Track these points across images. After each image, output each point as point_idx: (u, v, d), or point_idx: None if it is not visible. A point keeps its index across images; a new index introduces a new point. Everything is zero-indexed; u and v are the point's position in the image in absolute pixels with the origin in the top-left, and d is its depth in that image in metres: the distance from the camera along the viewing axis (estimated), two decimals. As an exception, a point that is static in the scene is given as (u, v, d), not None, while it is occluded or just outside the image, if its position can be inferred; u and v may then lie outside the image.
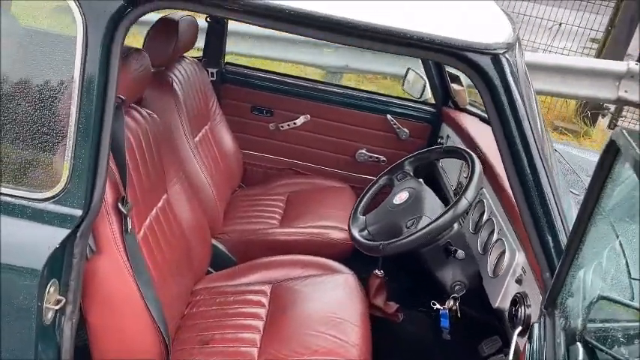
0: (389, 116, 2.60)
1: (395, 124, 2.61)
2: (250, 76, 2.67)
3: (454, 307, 1.66)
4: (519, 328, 1.23)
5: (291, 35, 5.41)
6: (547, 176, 1.21)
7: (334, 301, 1.87)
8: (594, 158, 2.51)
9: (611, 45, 5.61)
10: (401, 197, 1.74)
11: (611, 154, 0.84)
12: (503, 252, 1.66)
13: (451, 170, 2.25)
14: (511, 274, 1.54)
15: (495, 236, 1.68)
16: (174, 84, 2.08)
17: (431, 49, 1.19)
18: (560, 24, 5.88)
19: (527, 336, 1.27)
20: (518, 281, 1.51)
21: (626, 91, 5.02)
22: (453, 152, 1.78)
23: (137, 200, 1.53)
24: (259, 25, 1.20)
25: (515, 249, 1.55)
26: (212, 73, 2.57)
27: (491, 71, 1.17)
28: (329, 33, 1.19)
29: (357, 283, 1.95)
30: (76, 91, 1.17)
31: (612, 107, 5.83)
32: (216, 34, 2.54)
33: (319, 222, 2.30)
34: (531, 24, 6.17)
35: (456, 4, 1.25)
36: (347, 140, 2.69)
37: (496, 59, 1.17)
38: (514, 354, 1.30)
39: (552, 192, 1.22)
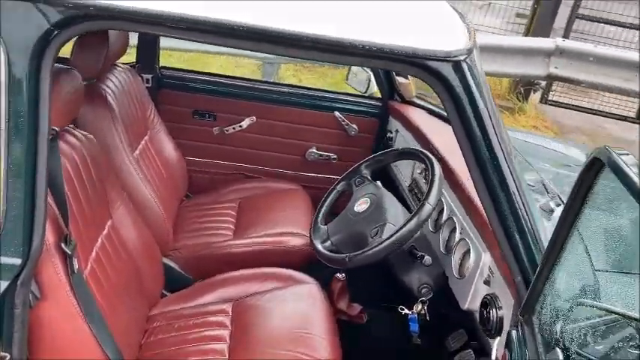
0: (337, 113, 2.55)
1: (343, 120, 2.55)
2: (189, 80, 2.54)
3: (422, 311, 1.63)
4: (498, 338, 1.21)
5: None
6: (514, 181, 1.19)
7: (299, 315, 1.81)
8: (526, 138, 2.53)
9: (538, 20, 5.76)
10: (361, 204, 1.68)
11: (593, 171, 0.81)
12: (467, 251, 1.64)
13: (404, 166, 2.22)
14: (479, 275, 1.52)
15: (458, 236, 1.66)
16: (109, 97, 1.93)
17: (389, 59, 1.13)
18: (490, 3, 5.99)
19: (502, 344, 1.26)
20: (487, 282, 1.50)
21: (556, 67, 5.18)
22: (410, 154, 1.75)
23: (80, 234, 1.40)
24: (205, 42, 1.11)
25: (481, 250, 1.53)
26: (147, 80, 2.41)
27: (453, 79, 1.13)
28: (279, 47, 1.12)
29: (321, 293, 1.90)
30: (3, 129, 1.03)
31: (543, 82, 6.02)
32: (148, 38, 2.39)
33: (275, 229, 2.23)
34: (461, 3, 6.26)
35: (411, 9, 1.19)
36: (296, 140, 2.62)
37: (457, 66, 1.12)
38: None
39: (520, 196, 1.20)
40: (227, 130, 2.57)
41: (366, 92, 2.58)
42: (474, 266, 1.54)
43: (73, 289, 1.27)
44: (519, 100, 5.91)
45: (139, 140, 2.16)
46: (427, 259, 1.54)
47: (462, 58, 1.12)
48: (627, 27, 5.87)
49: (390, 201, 1.68)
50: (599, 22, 5.86)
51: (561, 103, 5.97)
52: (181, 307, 1.85)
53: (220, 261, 2.13)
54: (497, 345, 1.23)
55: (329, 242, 1.66)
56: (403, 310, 1.67)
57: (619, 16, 6.07)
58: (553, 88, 6.06)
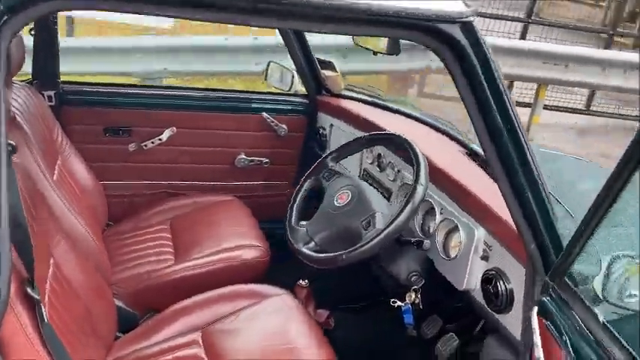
0: (264, 114, 2.40)
1: (272, 121, 2.41)
2: (96, 93, 2.25)
3: (416, 300, 1.56)
4: (536, 308, 1.16)
5: (93, 44, 4.83)
6: (529, 148, 1.15)
7: (279, 330, 1.65)
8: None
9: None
10: (342, 198, 1.57)
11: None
12: (450, 232, 1.60)
13: (348, 160, 2.14)
14: (473, 252, 1.48)
15: (439, 217, 1.61)
16: (17, 117, 1.63)
17: (396, 24, 1.04)
18: None
19: (533, 313, 1.21)
20: (485, 258, 1.46)
21: (432, 60, 5.45)
22: (380, 140, 1.66)
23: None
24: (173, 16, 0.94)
25: (471, 226, 1.49)
26: (49, 97, 2.09)
27: (465, 42, 1.07)
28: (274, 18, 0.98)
29: (294, 301, 1.76)
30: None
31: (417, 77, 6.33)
32: (47, 50, 2.06)
33: (222, 245, 2.03)
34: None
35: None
36: (223, 147, 2.43)
37: (470, 28, 1.06)
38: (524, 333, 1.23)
39: (535, 162, 1.17)
40: (145, 146, 2.32)
41: (290, 90, 2.47)
42: (466, 244, 1.50)
43: (44, 341, 1.01)
44: (400, 95, 6.16)
45: (52, 166, 1.85)
46: (426, 242, 1.46)
47: (472, 19, 1.06)
48: (500, 18, 6.38)
49: (370, 190, 1.59)
50: (482, 16, 6.28)
51: (436, 95, 6.32)
52: (143, 346, 1.60)
53: (169, 289, 1.89)
54: (533, 315, 1.17)
55: (312, 243, 1.52)
56: (395, 302, 1.58)
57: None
58: (427, 81, 6.39)
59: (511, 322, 1.39)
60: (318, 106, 2.45)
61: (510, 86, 6.18)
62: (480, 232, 1.47)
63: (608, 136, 6.12)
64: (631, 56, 6.04)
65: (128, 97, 2.28)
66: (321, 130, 2.43)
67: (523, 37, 6.53)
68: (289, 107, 2.46)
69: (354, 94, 2.37)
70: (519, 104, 6.00)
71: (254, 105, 2.41)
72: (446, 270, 1.57)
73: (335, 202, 1.56)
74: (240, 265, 1.95)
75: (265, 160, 2.48)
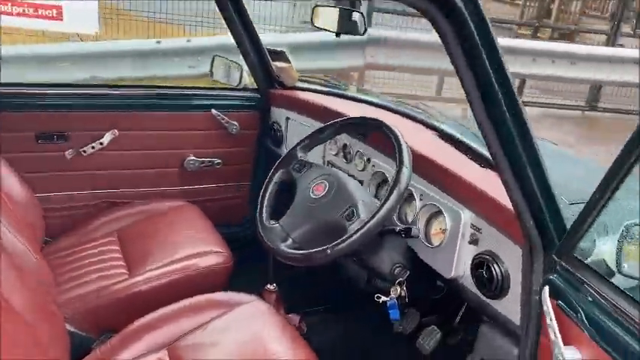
0: (214, 111, 2.24)
1: (222, 118, 2.26)
2: (24, 95, 2.01)
3: (402, 294, 1.46)
4: (547, 288, 1.08)
5: (7, 53, 4.47)
6: (525, 115, 1.08)
7: (254, 339, 1.51)
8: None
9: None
10: (318, 189, 1.44)
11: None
12: (431, 218, 1.52)
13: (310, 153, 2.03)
14: (461, 237, 1.40)
15: (419, 204, 1.52)
16: None
17: None
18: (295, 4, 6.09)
19: (544, 294, 1.13)
20: (474, 242, 1.38)
21: (372, 57, 5.44)
22: (354, 125, 1.55)
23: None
24: None
25: (457, 209, 1.41)
26: (-31, 101, 1.85)
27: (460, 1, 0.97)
28: None
29: (266, 305, 1.62)
30: None
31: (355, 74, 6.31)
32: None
33: (179, 253, 1.86)
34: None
35: None
36: (170, 149, 2.24)
37: None
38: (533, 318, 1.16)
39: (531, 131, 1.09)
40: (84, 151, 2.10)
41: (239, 85, 2.32)
42: (452, 229, 1.41)
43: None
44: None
45: (-21, 178, 1.62)
46: (414, 229, 1.36)
47: None
48: (418, 16, 6.40)
49: (347, 178, 1.47)
50: (393, 13, 6.32)
51: (374, 93, 6.31)
52: (103, 372, 1.41)
53: (125, 307, 1.70)
54: (544, 295, 1.09)
55: (290, 240, 1.39)
56: (380, 298, 1.47)
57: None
58: (365, 79, 6.38)
59: (507, 307, 1.31)
60: (270, 100, 2.32)
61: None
62: (467, 215, 1.39)
63: (540, 123, 6.32)
64: (557, 45, 6.28)
65: (62, 98, 2.05)
66: (275, 126, 2.30)
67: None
68: (240, 103, 2.32)
69: (311, 86, 2.26)
70: (455, 100, 6.10)
71: (202, 102, 2.25)
72: (431, 259, 1.48)
73: (311, 194, 1.44)
74: (202, 273, 1.79)
75: (217, 160, 2.32)
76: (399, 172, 1.31)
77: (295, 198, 1.48)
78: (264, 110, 2.34)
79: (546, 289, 1.07)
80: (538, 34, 8.96)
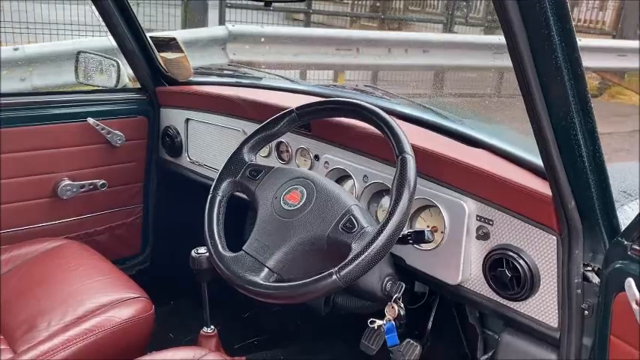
0: (91, 120, 1.76)
1: (102, 128, 1.78)
2: None
3: (401, 312, 1.17)
4: (631, 281, 0.86)
5: None
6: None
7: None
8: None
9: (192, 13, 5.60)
10: (293, 197, 1.09)
11: None
12: (414, 215, 1.26)
13: None
14: (465, 234, 1.15)
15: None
16: None
17: None
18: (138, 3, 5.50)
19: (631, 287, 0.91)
20: (484, 236, 1.14)
21: (234, 54, 5.08)
22: (322, 111, 1.20)
23: None
24: None
25: (457, 200, 1.16)
26: None
27: None
28: None
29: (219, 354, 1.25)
30: None
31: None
32: None
33: (81, 307, 1.38)
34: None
35: None
36: (37, 174, 1.72)
37: None
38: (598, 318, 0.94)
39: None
40: None
41: (117, 85, 1.86)
42: (453, 224, 1.16)
43: None
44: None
45: None
46: (427, 233, 1.06)
47: None
48: (271, 10, 6.22)
49: (326, 180, 1.14)
50: (245, 8, 6.02)
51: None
52: None
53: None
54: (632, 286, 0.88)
55: (266, 271, 1.02)
56: (374, 322, 1.18)
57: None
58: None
59: (535, 307, 1.10)
60: (160, 100, 1.89)
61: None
62: (471, 206, 1.15)
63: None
64: (410, 35, 6.46)
65: None
66: (170, 131, 1.88)
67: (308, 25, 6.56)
68: (123, 107, 1.86)
69: (212, 78, 1.88)
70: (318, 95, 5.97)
71: (74, 109, 1.75)
72: (426, 264, 1.22)
73: (283, 206, 1.09)
74: (122, 328, 1.34)
75: (100, 182, 1.83)
76: (402, 160, 1.02)
77: (259, 214, 1.11)
78: (153, 114, 1.91)
79: (631, 281, 0.86)
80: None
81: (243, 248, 1.08)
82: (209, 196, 1.17)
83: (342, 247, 1.00)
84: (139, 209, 2.00)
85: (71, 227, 1.80)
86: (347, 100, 1.17)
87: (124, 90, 1.88)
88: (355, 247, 0.98)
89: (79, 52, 1.90)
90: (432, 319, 1.48)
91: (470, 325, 1.38)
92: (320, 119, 1.26)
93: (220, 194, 1.16)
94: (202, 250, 1.36)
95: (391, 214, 0.97)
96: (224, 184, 1.18)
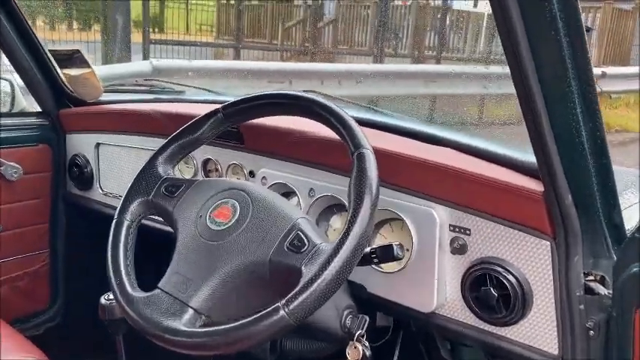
0: None
1: (-8, 160, 1.49)
2: None
3: (366, 353, 0.95)
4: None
5: None
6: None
7: None
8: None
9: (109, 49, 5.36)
10: (222, 215, 0.85)
11: None
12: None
13: None
14: (438, 249, 0.95)
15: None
16: None
17: None
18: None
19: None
20: (459, 249, 0.94)
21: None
22: (253, 109, 0.96)
23: None
24: None
25: (424, 208, 0.96)
26: None
27: None
28: None
29: None
30: None
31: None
32: None
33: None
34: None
35: None
36: None
37: None
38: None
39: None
40: None
41: (12, 109, 1.58)
42: (422, 239, 0.96)
43: None
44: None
45: None
46: (397, 249, 0.84)
47: None
48: (198, 45, 6.08)
49: (263, 189, 0.91)
50: (172, 44, 5.82)
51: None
52: None
53: None
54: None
55: (190, 312, 0.77)
56: None
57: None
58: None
59: (528, 332, 0.90)
60: (64, 124, 1.62)
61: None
62: (441, 214, 0.95)
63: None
64: (342, 66, 6.42)
65: None
66: (78, 160, 1.60)
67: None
68: (19, 134, 1.57)
69: (125, 96, 1.62)
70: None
71: None
72: (393, 291, 1.00)
73: (210, 226, 0.84)
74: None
75: None
76: (359, 156, 0.81)
77: (178, 240, 0.86)
78: (57, 141, 1.63)
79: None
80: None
81: (159, 285, 0.82)
82: (113, 222, 0.91)
83: (290, 272, 0.77)
84: (45, 255, 1.69)
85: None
86: (283, 93, 0.95)
87: (21, 114, 1.61)
88: (307, 271, 0.75)
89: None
90: (396, 353, 1.27)
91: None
92: (252, 120, 1.04)
93: (129, 219, 0.91)
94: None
95: (351, 223, 0.75)
96: (133, 206, 0.92)
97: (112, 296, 1.09)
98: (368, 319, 0.97)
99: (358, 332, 0.95)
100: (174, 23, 8.52)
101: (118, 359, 1.17)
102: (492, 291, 0.89)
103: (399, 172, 0.98)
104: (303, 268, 0.76)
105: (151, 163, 0.97)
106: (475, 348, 1.06)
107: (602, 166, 0.77)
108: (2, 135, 1.53)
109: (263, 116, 1.02)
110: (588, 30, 7.94)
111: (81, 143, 1.60)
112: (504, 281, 0.89)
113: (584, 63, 0.69)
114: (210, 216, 0.87)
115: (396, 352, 1.27)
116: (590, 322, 0.84)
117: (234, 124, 1.02)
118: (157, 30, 6.20)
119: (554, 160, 0.77)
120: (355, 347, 0.95)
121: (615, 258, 0.79)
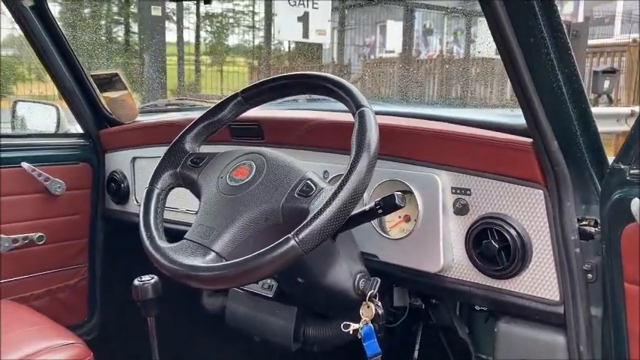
0: (25, 165, 1.61)
1: (40, 174, 1.63)
2: None
3: (379, 312, 1.00)
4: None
5: None
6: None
7: None
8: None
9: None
10: (240, 173, 0.95)
11: None
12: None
13: None
14: (442, 212, 1.02)
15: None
16: None
17: None
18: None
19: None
20: (462, 209, 1.01)
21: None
22: (269, 91, 1.07)
23: None
24: None
25: (429, 174, 1.04)
26: None
27: None
28: None
29: None
30: None
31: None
32: None
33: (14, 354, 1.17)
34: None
35: None
36: (-39, 227, 1.53)
37: None
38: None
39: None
40: None
41: (58, 131, 1.74)
42: (427, 204, 1.03)
43: None
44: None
45: None
46: (398, 198, 0.90)
47: None
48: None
49: (277, 152, 1.01)
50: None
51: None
52: None
53: None
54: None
55: (213, 255, 0.85)
56: (348, 326, 1.00)
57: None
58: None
59: (530, 282, 0.95)
60: (104, 144, 1.77)
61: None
62: (444, 178, 1.02)
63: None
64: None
65: None
66: (116, 176, 1.73)
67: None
68: (63, 153, 1.72)
69: (159, 117, 1.76)
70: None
71: (6, 153, 1.60)
72: (403, 256, 1.07)
73: (230, 183, 0.94)
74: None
75: (37, 234, 1.65)
76: (361, 115, 0.90)
77: (202, 199, 0.96)
78: (97, 159, 1.77)
79: (637, 201, 0.73)
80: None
81: (185, 236, 0.91)
82: (145, 190, 1.02)
83: (300, 214, 0.85)
84: (84, 269, 1.80)
85: (7, 289, 1.58)
86: (292, 74, 1.06)
87: (65, 135, 1.76)
88: (313, 208, 0.83)
89: (15, 102, 1.79)
90: (417, 347, 1.31)
91: (460, 340, 1.21)
92: (269, 101, 1.14)
93: (159, 187, 1.01)
94: (147, 277, 1.18)
95: (353, 166, 0.84)
96: (163, 177, 1.03)
97: (144, 278, 1.18)
98: (379, 280, 1.03)
99: (370, 292, 1.01)
100: (206, 91, 8.94)
101: (149, 339, 1.24)
102: (493, 243, 0.95)
103: (402, 144, 1.07)
104: (310, 206, 0.85)
105: (179, 140, 1.08)
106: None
107: (582, 110, 0.84)
108: (48, 153, 1.68)
109: (277, 98, 1.13)
110: (614, 71, 7.97)
111: (118, 160, 1.74)
112: (504, 233, 0.94)
113: (552, 11, 0.78)
114: (230, 175, 0.96)
115: (417, 342, 1.31)
116: (588, 264, 0.88)
117: (252, 106, 1.13)
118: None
119: (538, 110, 0.84)
120: (368, 306, 1.01)
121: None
